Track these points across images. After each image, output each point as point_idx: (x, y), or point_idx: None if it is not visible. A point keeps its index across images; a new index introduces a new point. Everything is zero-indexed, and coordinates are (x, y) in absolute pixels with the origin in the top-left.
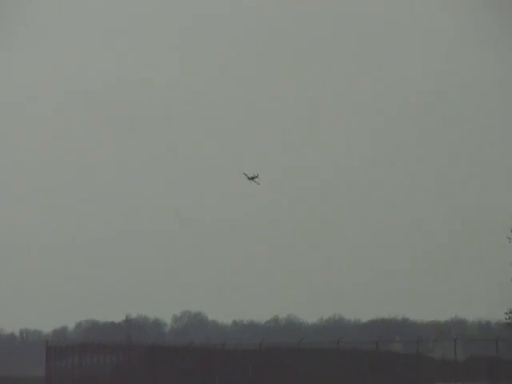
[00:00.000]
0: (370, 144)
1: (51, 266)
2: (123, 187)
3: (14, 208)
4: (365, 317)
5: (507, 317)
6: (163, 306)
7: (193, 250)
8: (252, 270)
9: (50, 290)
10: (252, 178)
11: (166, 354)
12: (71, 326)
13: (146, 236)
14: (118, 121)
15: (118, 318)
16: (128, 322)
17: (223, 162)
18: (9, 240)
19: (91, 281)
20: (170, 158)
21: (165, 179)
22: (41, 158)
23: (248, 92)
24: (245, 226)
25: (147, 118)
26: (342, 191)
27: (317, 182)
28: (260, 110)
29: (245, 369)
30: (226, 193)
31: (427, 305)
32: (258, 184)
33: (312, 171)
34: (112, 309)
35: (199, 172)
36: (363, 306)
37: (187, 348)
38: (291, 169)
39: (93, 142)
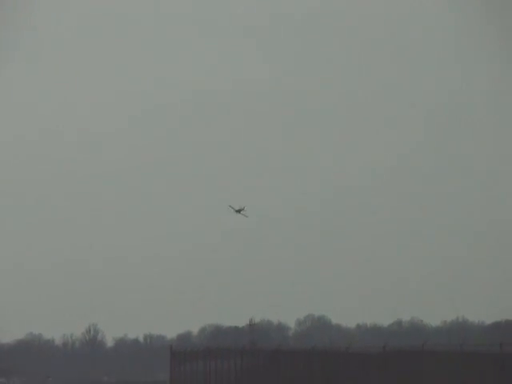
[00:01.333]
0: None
1: (177, 273)
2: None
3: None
4: (489, 319)
5: None
6: (287, 310)
7: (314, 253)
8: (375, 274)
9: (174, 295)
10: (239, 211)
11: (290, 357)
12: (195, 330)
13: (273, 238)
14: None
15: (242, 322)
16: (252, 326)
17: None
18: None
19: (214, 286)
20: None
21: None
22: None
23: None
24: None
25: None
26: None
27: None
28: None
29: (368, 373)
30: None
31: None
32: (247, 217)
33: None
34: (235, 313)
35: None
36: (486, 307)
37: (311, 352)
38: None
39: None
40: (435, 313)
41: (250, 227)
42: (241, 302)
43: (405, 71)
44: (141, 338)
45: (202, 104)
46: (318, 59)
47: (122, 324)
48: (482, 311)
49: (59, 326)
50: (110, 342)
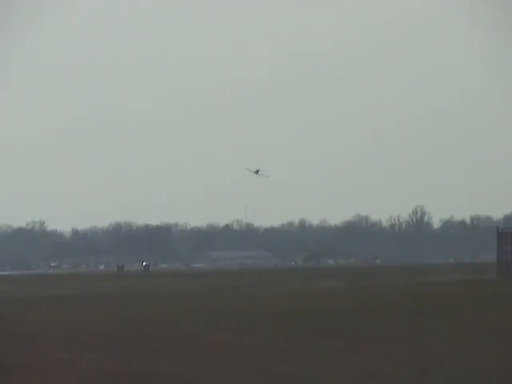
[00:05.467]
0: None
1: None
2: None
3: None
4: None
5: None
6: None
7: None
8: None
9: (503, 175)
10: (257, 172)
11: None
12: None
13: None
14: None
15: None
16: None
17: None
18: None
19: None
20: None
21: None
22: None
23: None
24: None
25: None
26: None
27: None
28: None
29: None
30: None
31: None
32: (269, 176)
33: None
34: None
35: None
36: None
37: None
38: None
39: None
40: None
41: None
42: None
43: None
44: (467, 220)
45: None
46: None
47: (449, 205)
48: None
49: (386, 207)
50: (436, 224)
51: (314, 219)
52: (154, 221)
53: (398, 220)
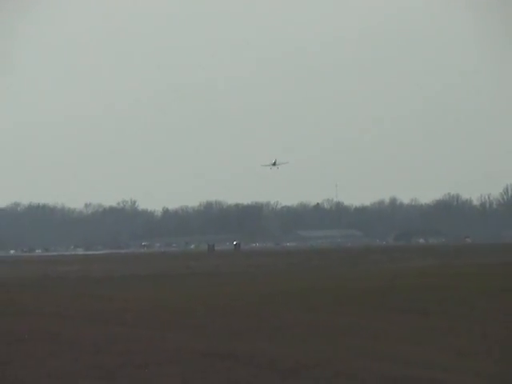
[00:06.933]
0: None
1: None
2: None
3: None
4: None
5: None
6: None
7: None
8: None
9: None
10: (274, 164)
11: None
12: None
13: None
14: None
15: None
16: None
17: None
18: None
19: None
20: None
21: None
22: None
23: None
24: None
25: None
26: None
27: None
28: None
29: None
30: None
31: None
32: (288, 162)
33: None
34: None
35: None
36: None
37: None
38: None
39: None
40: None
41: None
42: None
43: None
44: None
45: None
46: None
47: None
48: None
49: (477, 186)
50: None
51: (405, 198)
52: (245, 200)
53: (489, 199)
